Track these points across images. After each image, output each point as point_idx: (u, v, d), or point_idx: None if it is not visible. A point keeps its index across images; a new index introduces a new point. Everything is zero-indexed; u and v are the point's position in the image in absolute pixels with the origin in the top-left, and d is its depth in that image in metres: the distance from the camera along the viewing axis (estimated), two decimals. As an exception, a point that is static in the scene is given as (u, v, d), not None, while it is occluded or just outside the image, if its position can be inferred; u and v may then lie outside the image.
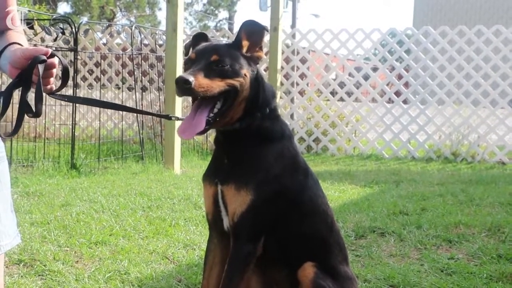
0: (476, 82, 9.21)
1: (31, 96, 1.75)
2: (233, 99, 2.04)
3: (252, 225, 2.09)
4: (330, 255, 2.25)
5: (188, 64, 2.07)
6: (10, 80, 1.78)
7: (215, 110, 2.03)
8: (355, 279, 2.33)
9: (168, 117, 2.44)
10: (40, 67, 1.72)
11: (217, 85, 1.99)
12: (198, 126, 2.00)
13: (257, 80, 2.13)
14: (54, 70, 1.79)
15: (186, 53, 2.22)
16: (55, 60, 1.77)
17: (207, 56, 2.03)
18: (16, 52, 1.74)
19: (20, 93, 1.75)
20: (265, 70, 10.15)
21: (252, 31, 2.14)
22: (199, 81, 1.95)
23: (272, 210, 2.12)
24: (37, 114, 1.76)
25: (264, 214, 2.10)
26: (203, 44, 2.16)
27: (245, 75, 2.06)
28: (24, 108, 1.75)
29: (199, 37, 2.23)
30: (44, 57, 1.72)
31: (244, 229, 2.09)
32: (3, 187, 1.91)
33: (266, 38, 9.64)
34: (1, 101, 1.74)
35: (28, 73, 1.72)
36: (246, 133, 2.12)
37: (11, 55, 1.75)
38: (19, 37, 1.90)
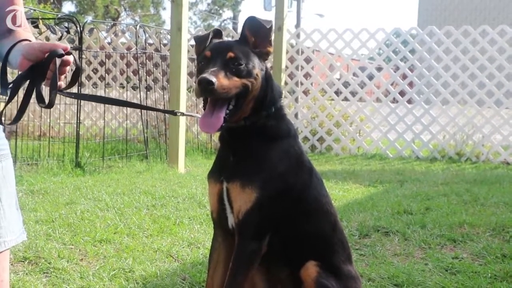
0: (480, 82, 9.18)
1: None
2: (244, 98, 2.06)
3: (257, 223, 2.09)
4: (333, 254, 2.25)
5: (203, 62, 2.07)
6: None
7: (230, 107, 2.05)
8: (358, 278, 2.33)
9: (173, 113, 2.46)
10: (58, 61, 1.75)
11: (234, 86, 2.01)
12: (218, 123, 2.02)
13: (266, 80, 2.14)
14: (68, 68, 1.82)
15: (198, 44, 2.19)
16: (71, 58, 1.80)
17: (223, 54, 2.04)
18: (33, 45, 1.77)
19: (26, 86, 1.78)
20: (269, 70, 10.15)
21: (257, 27, 2.14)
22: (221, 82, 1.96)
23: (277, 208, 2.12)
24: (50, 104, 1.79)
25: (269, 212, 2.10)
26: (216, 41, 2.15)
27: (257, 75, 2.08)
28: (36, 98, 1.78)
29: (215, 34, 2.20)
30: (63, 52, 1.75)
31: (249, 227, 2.09)
32: (7, 184, 1.92)
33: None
34: (9, 91, 1.76)
35: (45, 65, 1.74)
36: (251, 131, 2.13)
37: (27, 47, 1.77)
38: (29, 35, 1.91)
